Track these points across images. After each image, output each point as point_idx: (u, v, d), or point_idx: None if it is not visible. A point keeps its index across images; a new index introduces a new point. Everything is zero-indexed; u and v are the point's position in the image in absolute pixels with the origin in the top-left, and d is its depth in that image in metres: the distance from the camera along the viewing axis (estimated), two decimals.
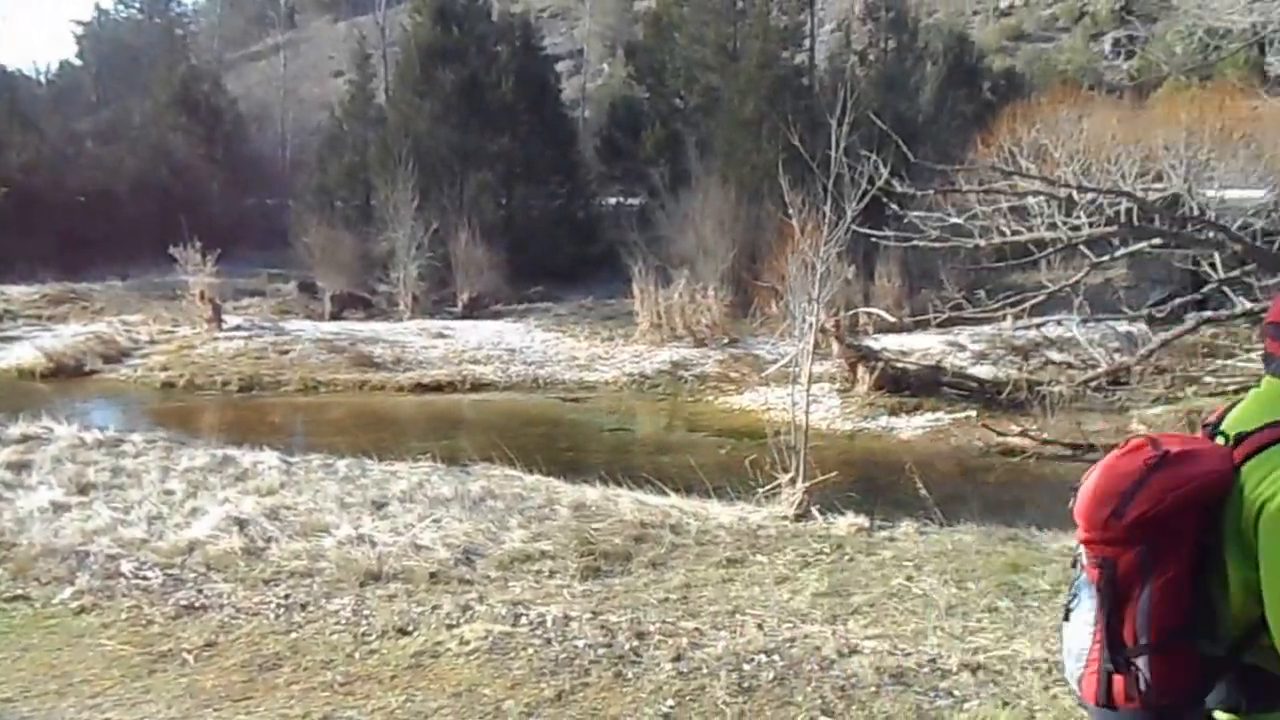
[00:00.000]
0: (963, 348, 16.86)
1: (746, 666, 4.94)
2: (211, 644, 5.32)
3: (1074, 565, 2.01)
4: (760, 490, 8.47)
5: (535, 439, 12.80)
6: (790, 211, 9.88)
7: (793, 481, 8.33)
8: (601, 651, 5.11)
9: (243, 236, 27.67)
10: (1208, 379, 14.08)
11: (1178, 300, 15.60)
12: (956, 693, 4.65)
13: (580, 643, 5.22)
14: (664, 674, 4.87)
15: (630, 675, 4.88)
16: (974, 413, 13.79)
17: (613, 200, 27.58)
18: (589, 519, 7.75)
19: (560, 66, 32.82)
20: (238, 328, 20.06)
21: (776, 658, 5.03)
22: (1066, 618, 1.97)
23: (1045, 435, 12.37)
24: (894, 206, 14.01)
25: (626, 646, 5.16)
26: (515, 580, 6.44)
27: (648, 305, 18.88)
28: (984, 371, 15.48)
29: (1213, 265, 14.85)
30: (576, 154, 28.13)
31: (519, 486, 8.77)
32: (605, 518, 7.76)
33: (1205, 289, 15.35)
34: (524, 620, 5.52)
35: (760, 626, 5.50)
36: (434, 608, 5.73)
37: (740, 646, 5.16)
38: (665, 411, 15.47)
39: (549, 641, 5.24)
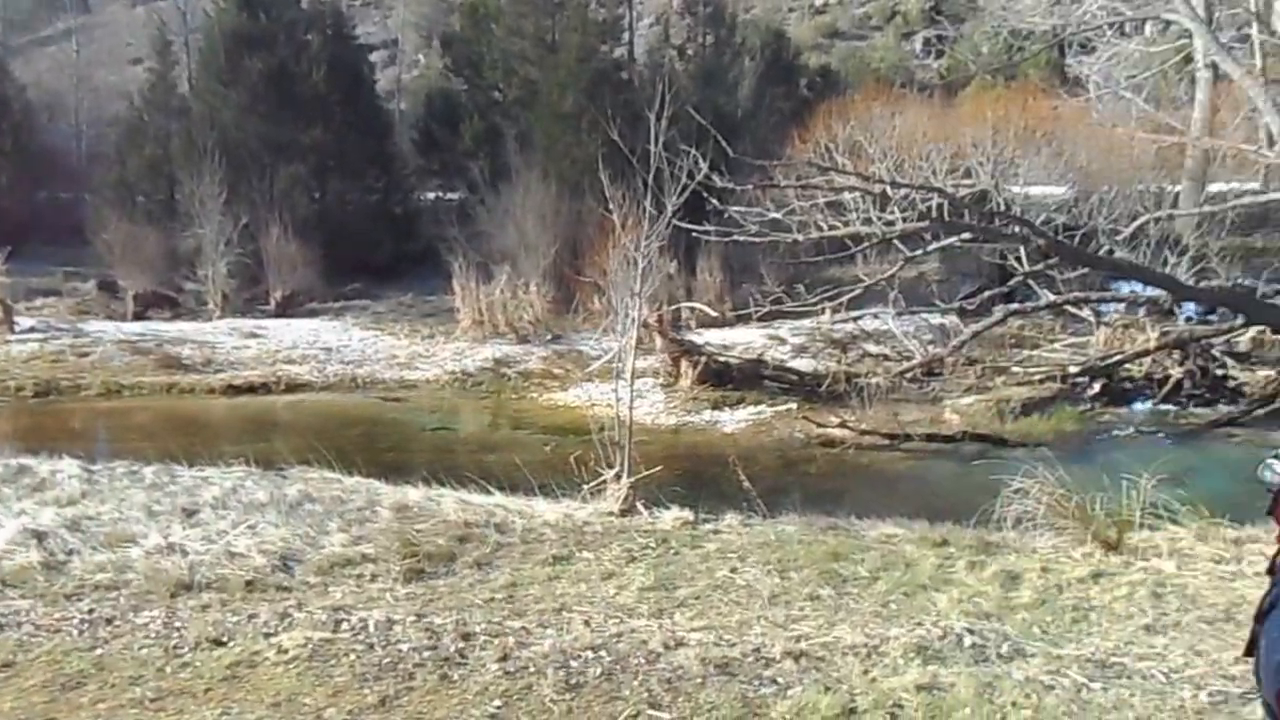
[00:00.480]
0: (784, 341, 17.12)
1: (574, 664, 4.94)
2: (8, 664, 5.08)
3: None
4: (586, 487, 8.41)
5: (354, 440, 12.39)
6: (611, 206, 9.71)
7: (618, 477, 8.28)
8: (426, 654, 5.07)
9: (35, 233, 25.89)
10: (1015, 369, 14.71)
11: (986, 293, 16.30)
12: (780, 680, 4.76)
13: (404, 646, 5.16)
14: (490, 674, 4.85)
15: (456, 677, 4.84)
16: (795, 405, 13.97)
17: (431, 195, 27.00)
18: (412, 520, 7.55)
19: (374, 57, 31.83)
20: (31, 329, 18.81)
21: (604, 653, 5.05)
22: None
23: (864, 426, 12.65)
24: (714, 202, 14.05)
25: (452, 648, 5.12)
26: (336, 585, 6.29)
27: (469, 302, 18.49)
28: (804, 364, 15.73)
29: (1018, 259, 15.57)
30: (393, 147, 27.33)
31: (338, 489, 8.52)
32: (428, 518, 7.59)
33: (1012, 282, 16.08)
34: (345, 626, 5.43)
35: (587, 623, 5.48)
36: (250, 617, 5.58)
37: (567, 644, 5.14)
38: (489, 409, 15.12)
39: (371, 646, 5.17)
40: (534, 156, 21.76)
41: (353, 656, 5.03)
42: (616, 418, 8.67)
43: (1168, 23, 21.66)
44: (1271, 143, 15.74)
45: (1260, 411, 13.17)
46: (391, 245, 24.32)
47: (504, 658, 4.97)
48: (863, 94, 20.39)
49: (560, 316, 18.35)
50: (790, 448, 12.66)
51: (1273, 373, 13.83)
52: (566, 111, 21.88)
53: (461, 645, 5.13)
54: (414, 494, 8.26)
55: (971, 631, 5.26)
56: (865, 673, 4.78)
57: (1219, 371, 14.14)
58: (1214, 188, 21.22)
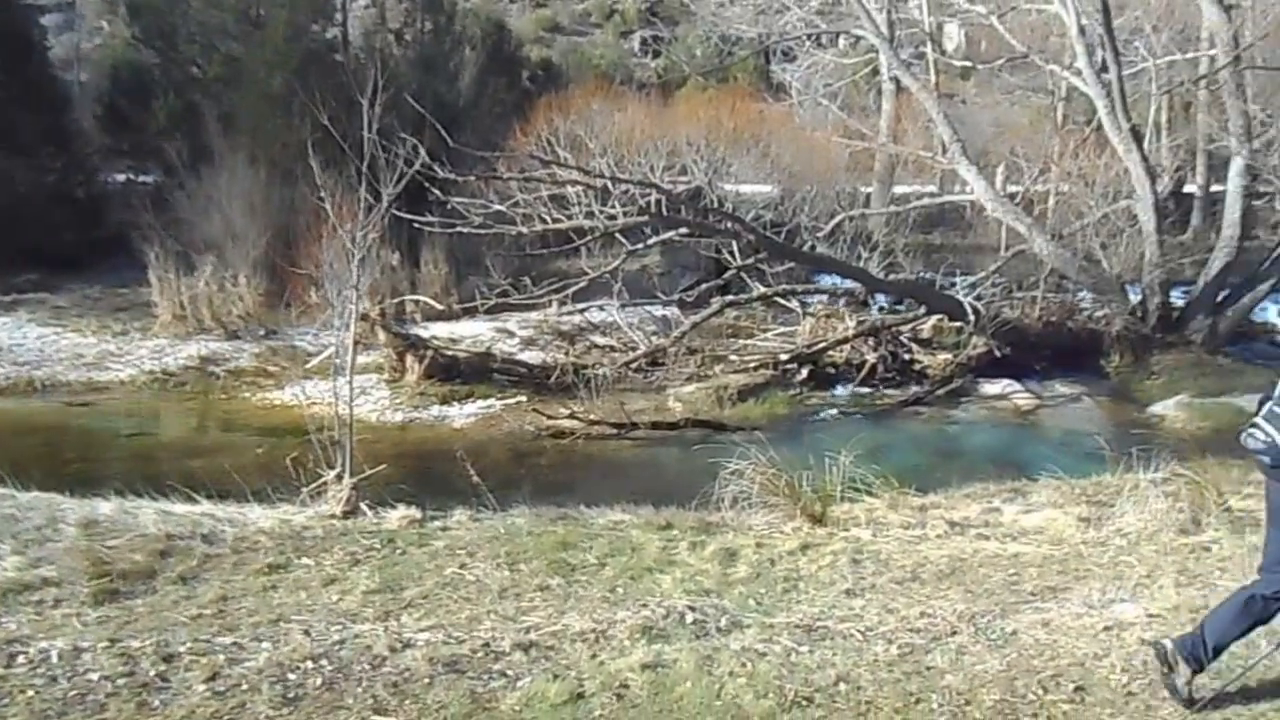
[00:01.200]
0: (512, 334, 17.06)
1: (292, 676, 4.68)
2: None
3: None
4: (305, 490, 7.97)
5: (32, 450, 11.13)
6: (324, 194, 9.30)
7: (339, 478, 7.94)
8: (121, 682, 4.59)
9: None
10: (733, 357, 15.39)
11: (704, 286, 16.95)
12: (510, 673, 4.73)
13: (94, 675, 4.65)
14: (197, 696, 4.48)
15: (156, 704, 4.43)
16: (525, 398, 13.96)
17: (121, 177, 24.57)
18: (102, 537, 6.84)
19: (47, 20, 28.61)
20: None
21: (325, 662, 4.81)
22: None
23: (592, 416, 12.82)
24: (437, 192, 13.81)
25: (151, 673, 4.67)
26: (9, 616, 5.57)
27: (169, 295, 17.04)
28: (533, 357, 15.74)
29: (732, 253, 16.31)
30: (72, 123, 24.52)
31: (11, 506, 7.54)
32: (123, 533, 6.90)
33: (727, 275, 16.81)
34: (22, 660, 4.81)
35: (307, 632, 5.19)
36: None
37: (284, 656, 4.85)
38: (195, 411, 14.08)
39: (54, 679, 4.62)
40: (239, 139, 20.39)
41: (30, 693, 4.50)
42: (336, 416, 8.33)
43: (858, 38, 23.41)
44: (945, 150, 17.37)
45: (941, 391, 14.54)
46: (74, 232, 21.80)
47: (213, 677, 4.62)
48: (584, 89, 20.66)
49: (274, 310, 17.29)
50: (521, 440, 12.64)
51: (950, 356, 15.26)
52: (275, 92, 20.64)
53: (163, 668, 4.71)
54: (105, 507, 7.50)
55: (693, 609, 5.45)
56: (593, 657, 4.85)
57: (906, 356, 15.44)
58: (899, 189, 23.18)
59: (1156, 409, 14.04)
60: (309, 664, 4.76)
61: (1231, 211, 16.39)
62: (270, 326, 17.01)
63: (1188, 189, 27.62)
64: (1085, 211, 17.06)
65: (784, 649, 4.93)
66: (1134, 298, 16.50)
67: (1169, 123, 25.91)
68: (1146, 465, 8.31)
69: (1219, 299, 16.41)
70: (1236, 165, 16.29)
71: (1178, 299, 16.91)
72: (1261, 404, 4.32)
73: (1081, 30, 16.08)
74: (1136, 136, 16.42)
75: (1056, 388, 14.94)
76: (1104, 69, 16.14)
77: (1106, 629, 5.07)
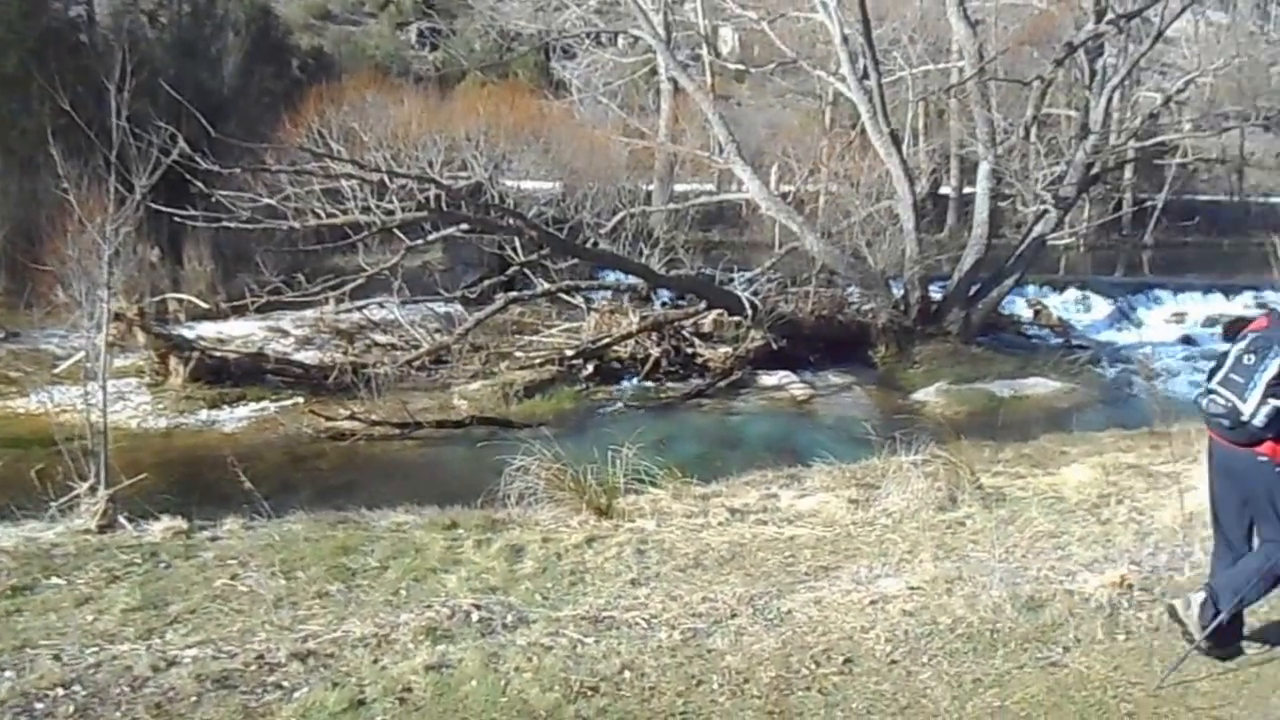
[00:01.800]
0: (286, 333, 16.41)
1: (39, 705, 4.28)
2: None
3: None
4: (54, 504, 7.32)
5: None
6: (67, 185, 8.61)
7: (93, 490, 7.34)
8: None
9: None
10: (518, 354, 15.37)
11: (488, 282, 16.83)
12: (286, 684, 4.52)
13: None
14: None
15: None
16: (302, 399, 13.48)
17: None
18: None
19: None
20: None
21: (78, 688, 4.42)
22: None
23: (374, 416, 12.53)
24: (200, 185, 13.08)
25: None
26: None
27: None
28: (309, 356, 15.20)
29: (515, 249, 16.24)
30: None
31: None
32: None
33: (510, 271, 16.72)
34: None
35: (57, 657, 4.76)
36: None
37: (31, 684, 4.43)
38: None
39: None
40: None
41: None
42: (89, 423, 7.74)
43: (636, 38, 23.79)
44: (721, 150, 17.95)
45: (722, 383, 15.04)
46: None
47: None
48: (358, 80, 20.04)
49: (14, 311, 15.90)
50: (298, 444, 12.21)
51: (730, 349, 15.78)
52: (10, 75, 18.91)
53: None
54: None
55: (479, 607, 5.38)
56: (375, 662, 4.70)
57: (689, 350, 15.87)
58: (679, 188, 23.74)
59: (918, 396, 15.00)
60: (59, 691, 4.37)
61: (980, 212, 17.69)
62: (11, 328, 15.63)
63: (943, 190, 29.58)
64: (852, 210, 18.00)
65: (570, 641, 4.93)
66: (897, 292, 17.55)
67: (925, 128, 27.72)
68: (909, 448, 8.81)
69: (971, 293, 17.69)
70: (984, 169, 17.59)
71: (936, 293, 18.11)
72: (1212, 374, 4.43)
73: (845, 39, 16.98)
74: (896, 140, 17.48)
75: (829, 378, 15.71)
76: (866, 76, 17.08)
77: (873, 603, 5.35)
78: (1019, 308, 20.35)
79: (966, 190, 25.00)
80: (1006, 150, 17.91)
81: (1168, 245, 31.54)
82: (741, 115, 24.34)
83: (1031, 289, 20.87)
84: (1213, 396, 4.34)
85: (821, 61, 20.00)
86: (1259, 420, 4.15)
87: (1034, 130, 18.00)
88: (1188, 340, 19.44)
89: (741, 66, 23.83)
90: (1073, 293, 21.53)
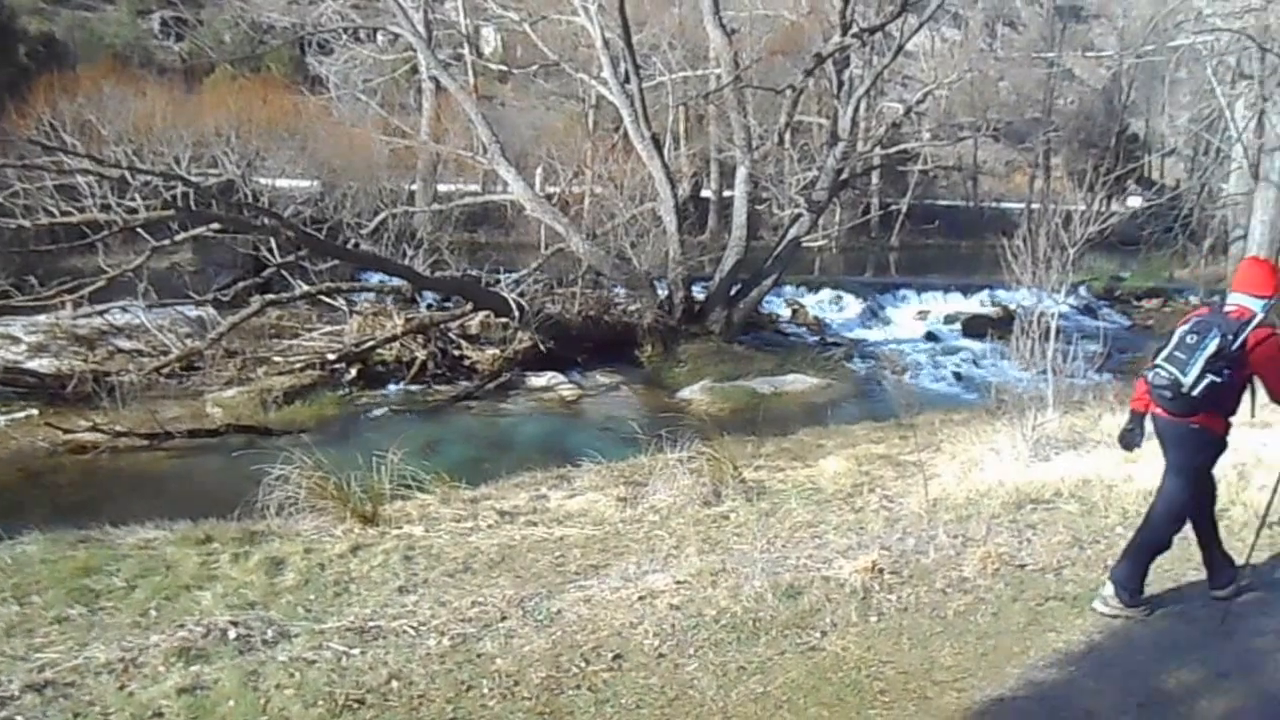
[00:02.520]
0: (17, 340, 15.01)
1: None
2: None
3: None
4: None
5: None
6: None
7: None
8: None
9: None
10: (277, 359, 14.69)
11: (242, 284, 15.93)
12: (21, 717, 4.22)
13: None
14: None
15: None
16: (37, 411, 12.40)
17: None
18: None
19: None
20: None
21: None
22: None
23: (119, 427, 11.71)
24: None
25: None
26: None
27: None
28: (45, 365, 13.98)
29: (271, 250, 15.52)
30: None
31: None
32: None
33: (267, 273, 15.97)
34: None
35: None
36: None
37: None
38: None
39: None
40: None
41: None
42: None
43: (396, 35, 23.28)
44: (485, 150, 17.82)
45: (491, 385, 14.94)
46: None
47: None
48: (95, 70, 18.64)
49: None
50: (33, 459, 11.25)
51: (498, 351, 15.70)
52: None
53: None
54: None
55: (236, 624, 5.11)
56: (122, 689, 4.41)
57: (456, 352, 15.67)
58: (442, 188, 23.40)
59: (684, 394, 15.40)
60: None
61: (739, 214, 18.36)
62: None
63: (705, 193, 30.55)
64: (616, 212, 18.28)
65: (335, 654, 4.76)
66: (662, 292, 17.97)
67: (686, 133, 28.53)
68: (675, 446, 9.01)
69: (732, 293, 18.34)
70: (741, 173, 18.28)
71: (699, 293, 18.66)
72: (1158, 352, 4.98)
73: (606, 43, 17.24)
74: (657, 144, 17.90)
75: (597, 378, 15.89)
76: (627, 80, 17.41)
77: (640, 599, 5.44)
78: (778, 307, 21.29)
79: (726, 193, 25.88)
80: (763, 155, 18.67)
81: (912, 247, 33.88)
82: (505, 116, 24.24)
83: (789, 289, 21.88)
84: (1158, 370, 4.94)
85: (584, 65, 20.23)
86: (1197, 392, 4.79)
87: (788, 136, 18.86)
88: (931, 336, 20.91)
89: (504, 67, 23.74)
90: (827, 292, 22.69)
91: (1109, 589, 5.22)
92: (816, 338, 20.03)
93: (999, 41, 46.28)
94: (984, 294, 23.02)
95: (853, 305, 22.44)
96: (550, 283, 17.51)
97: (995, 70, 36.08)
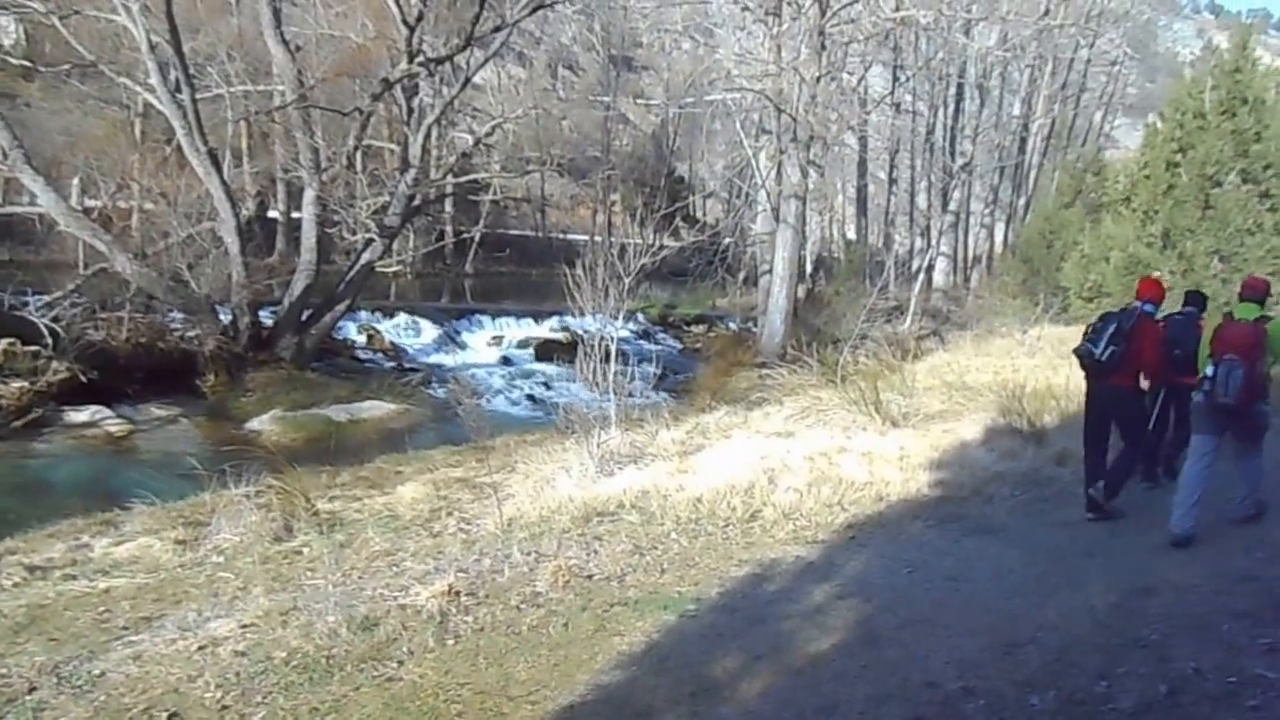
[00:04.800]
0: None
1: None
2: None
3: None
4: None
5: None
6: None
7: None
8: None
9: None
10: None
11: None
12: None
13: None
14: None
15: None
16: None
17: None
18: None
19: None
20: None
21: None
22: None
23: None
24: None
25: None
26: None
27: None
28: None
29: None
30: None
31: None
32: None
33: None
34: None
35: None
36: None
37: None
38: None
39: None
40: None
41: None
42: None
43: None
44: (5, 156, 15.50)
45: (19, 423, 13.12)
46: None
47: None
48: None
49: None
50: None
51: (27, 384, 13.79)
52: None
53: None
54: None
55: None
56: None
57: None
58: None
59: (253, 424, 14.51)
60: None
61: (308, 237, 17.68)
62: None
63: (272, 214, 29.15)
64: (170, 231, 16.87)
65: None
66: (225, 318, 16.82)
67: (250, 149, 27.01)
68: (241, 480, 8.47)
69: (304, 318, 17.60)
70: (309, 195, 17.62)
71: (267, 319, 17.70)
72: (1084, 338, 7.45)
73: (153, 47, 15.78)
74: (215, 160, 16.73)
75: (152, 410, 14.54)
76: (179, 89, 16.11)
77: (201, 648, 4.99)
78: (353, 333, 20.77)
79: (295, 215, 24.86)
80: (332, 178, 18.13)
81: (486, 274, 34.55)
82: (31, 118, 21.55)
83: (364, 314, 21.45)
84: (1085, 346, 7.33)
85: (128, 68, 18.42)
86: (1104, 358, 7.20)
87: (358, 160, 18.46)
88: (506, 361, 21.41)
89: (29, 64, 21.02)
90: (403, 318, 22.51)
91: (1100, 485, 7.41)
92: (393, 364, 19.76)
93: (561, 83, 48.72)
94: (554, 320, 23.98)
95: (429, 331, 22.44)
96: (92, 306, 15.62)
97: (558, 109, 37.98)
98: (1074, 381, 11.67)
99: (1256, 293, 6.73)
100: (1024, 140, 36.42)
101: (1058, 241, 23.88)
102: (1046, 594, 5.61)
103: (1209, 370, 6.52)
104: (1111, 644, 4.63)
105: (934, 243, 32.06)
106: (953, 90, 33.21)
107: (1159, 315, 7.68)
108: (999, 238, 38.09)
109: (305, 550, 7.30)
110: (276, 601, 5.72)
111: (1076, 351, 7.40)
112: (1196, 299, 8.45)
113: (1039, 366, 13.80)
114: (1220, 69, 17.47)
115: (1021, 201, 37.85)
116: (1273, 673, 4.08)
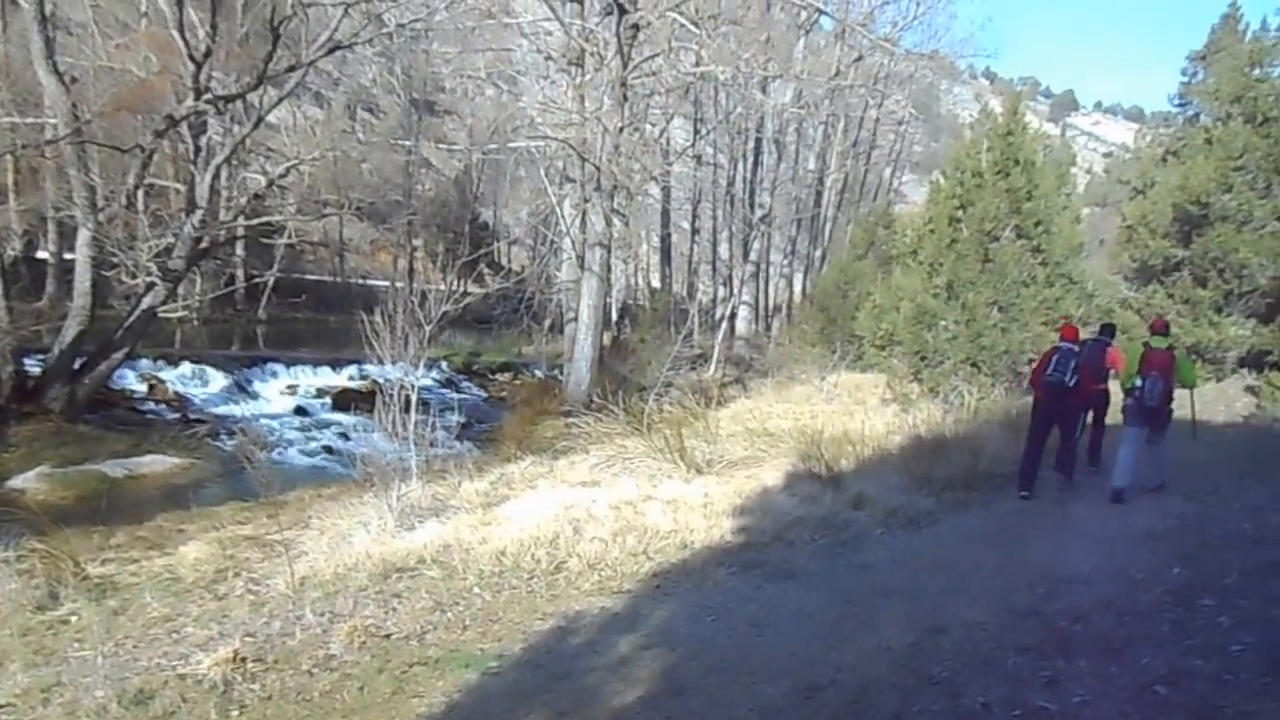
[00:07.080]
0: None
1: None
2: None
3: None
4: None
5: None
6: None
7: None
8: None
9: None
10: None
11: None
12: None
13: None
14: None
15: None
16: None
17: None
18: None
19: None
20: None
21: None
22: None
23: None
24: None
25: None
26: None
27: None
28: None
29: None
30: None
31: None
32: None
33: None
34: None
35: None
36: None
37: None
38: None
39: None
40: None
41: None
42: None
43: None
44: None
45: None
46: None
47: None
48: None
49: None
50: None
51: None
52: None
53: None
54: None
55: None
56: None
57: None
58: None
59: (15, 482, 13.36)
60: None
61: (82, 280, 16.55)
62: None
63: (41, 254, 27.22)
64: None
65: None
66: None
67: (17, 185, 25.21)
68: (1, 544, 7.79)
69: (77, 367, 16.42)
70: (84, 235, 16.51)
71: (34, 367, 16.42)
72: (1047, 367, 9.65)
73: None
74: None
75: None
76: None
77: None
78: (133, 382, 19.51)
79: (68, 256, 23.27)
80: (109, 218, 17.06)
81: (280, 320, 33.27)
82: None
83: (145, 363, 20.20)
84: (1054, 375, 9.49)
85: None
86: (1072, 384, 9.47)
87: (139, 199, 17.48)
88: (301, 411, 20.53)
89: None
90: (189, 366, 21.28)
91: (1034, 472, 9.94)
92: (178, 415, 18.64)
93: (360, 125, 47.90)
94: (353, 368, 23.28)
95: (217, 380, 21.31)
96: None
97: (358, 152, 37.25)
98: (869, 426, 12.18)
99: (1163, 329, 9.63)
100: (819, 194, 38.26)
101: (852, 291, 25.02)
102: (845, 636, 5.77)
103: (1138, 381, 9.21)
104: (906, 683, 4.80)
105: (736, 292, 33.04)
106: (751, 144, 34.48)
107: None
108: (798, 287, 39.70)
109: (73, 619, 6.74)
110: (38, 678, 5.25)
111: (1046, 381, 9.63)
112: (1109, 329, 11.37)
113: (836, 412, 14.40)
114: (995, 132, 18.80)
115: (818, 253, 39.60)
116: (1053, 704, 4.32)
